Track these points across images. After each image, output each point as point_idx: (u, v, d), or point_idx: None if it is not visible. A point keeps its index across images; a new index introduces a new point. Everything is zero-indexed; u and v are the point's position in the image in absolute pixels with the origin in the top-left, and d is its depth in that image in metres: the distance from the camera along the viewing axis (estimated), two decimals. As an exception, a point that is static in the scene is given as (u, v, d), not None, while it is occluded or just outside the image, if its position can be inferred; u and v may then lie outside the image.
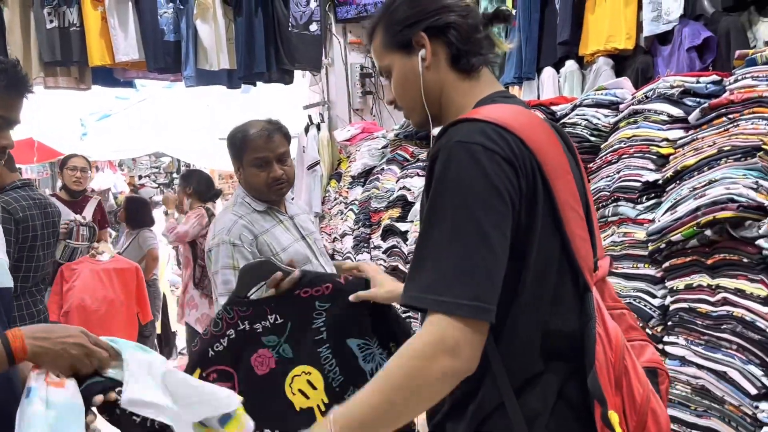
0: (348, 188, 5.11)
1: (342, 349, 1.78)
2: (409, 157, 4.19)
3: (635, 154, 2.25)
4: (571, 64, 3.57)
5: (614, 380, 1.08)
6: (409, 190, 3.85)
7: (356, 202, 4.82)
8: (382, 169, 4.50)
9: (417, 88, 1.25)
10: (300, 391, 1.79)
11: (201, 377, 1.70)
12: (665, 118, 2.21)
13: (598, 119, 2.52)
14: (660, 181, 2.12)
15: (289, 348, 1.79)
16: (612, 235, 2.26)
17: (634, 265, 2.17)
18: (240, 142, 2.34)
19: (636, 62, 3.16)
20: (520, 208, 1.08)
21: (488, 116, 1.10)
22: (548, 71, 3.69)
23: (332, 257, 5.15)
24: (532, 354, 1.11)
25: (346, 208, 5.04)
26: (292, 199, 2.58)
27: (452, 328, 1.01)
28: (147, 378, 1.33)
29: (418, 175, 3.82)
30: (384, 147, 4.70)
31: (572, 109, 2.69)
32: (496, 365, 1.10)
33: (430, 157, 1.11)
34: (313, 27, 5.30)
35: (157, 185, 16.62)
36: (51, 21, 4.71)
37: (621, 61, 3.35)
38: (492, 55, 1.26)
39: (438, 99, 1.25)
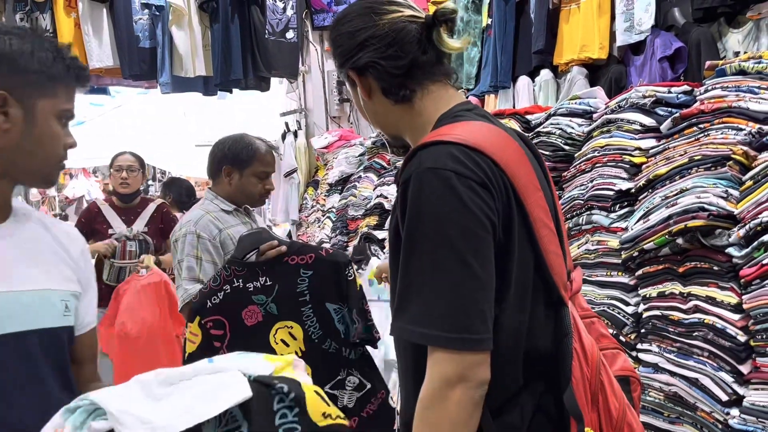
0: (325, 196, 5.10)
1: (321, 309, 2.15)
2: (386, 165, 4.19)
3: (608, 163, 2.28)
4: (545, 73, 3.60)
5: (590, 396, 1.08)
6: (386, 197, 3.85)
7: (333, 210, 4.81)
8: (360, 177, 4.50)
9: (367, 116, 1.28)
10: (282, 341, 2.11)
11: (200, 324, 2.02)
12: (638, 127, 2.24)
13: (572, 128, 2.54)
14: (633, 190, 2.14)
15: (275, 306, 2.11)
16: (586, 243, 2.28)
17: (608, 273, 2.19)
18: (248, 155, 2.57)
19: (609, 72, 3.20)
20: (499, 230, 1.06)
21: (458, 137, 1.08)
22: (523, 80, 3.73)
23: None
24: (512, 373, 1.10)
25: (323, 215, 5.03)
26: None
27: (451, 362, 1.01)
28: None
29: (395, 182, 3.82)
30: (361, 155, 4.71)
31: (547, 118, 2.71)
32: None
33: (402, 182, 1.09)
34: (290, 34, 5.29)
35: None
36: (23, 27, 4.65)
37: (595, 71, 3.39)
38: (440, 67, 1.21)
39: (391, 123, 1.26)
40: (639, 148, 2.19)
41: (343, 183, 4.83)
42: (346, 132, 5.44)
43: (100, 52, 4.78)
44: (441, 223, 1.02)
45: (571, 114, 2.59)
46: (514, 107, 3.75)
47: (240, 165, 2.56)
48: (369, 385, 2.24)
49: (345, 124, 5.80)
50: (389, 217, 1.21)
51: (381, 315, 2.60)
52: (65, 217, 14.27)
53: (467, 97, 4.27)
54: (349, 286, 2.19)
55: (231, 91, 5.45)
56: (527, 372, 1.11)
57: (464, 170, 1.03)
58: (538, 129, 2.69)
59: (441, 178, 1.03)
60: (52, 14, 4.69)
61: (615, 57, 3.26)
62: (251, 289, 2.10)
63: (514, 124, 2.86)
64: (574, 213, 2.34)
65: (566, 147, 2.52)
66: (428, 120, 1.20)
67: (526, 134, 2.74)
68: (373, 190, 4.16)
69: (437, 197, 1.03)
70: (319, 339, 2.13)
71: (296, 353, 2.06)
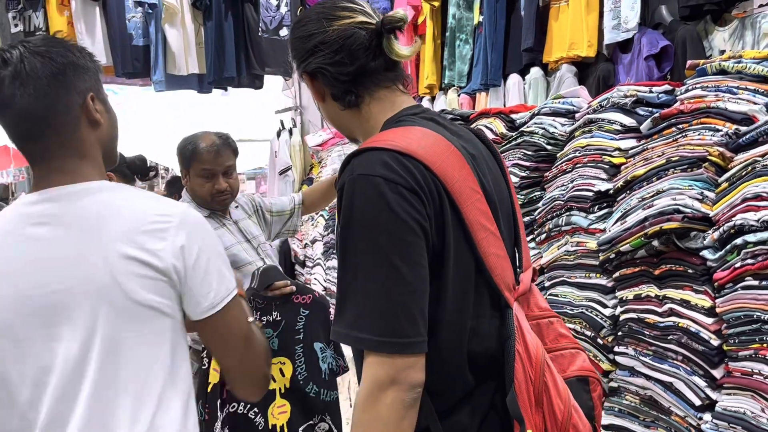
0: (319, 193, 5.08)
1: (310, 349, 2.21)
2: (377, 163, 4.17)
3: (588, 164, 2.25)
4: (535, 71, 3.57)
5: (534, 398, 1.08)
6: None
7: (326, 208, 4.79)
8: (352, 175, 4.47)
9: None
10: (271, 375, 2.02)
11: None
12: (618, 127, 2.21)
13: (555, 128, 2.52)
14: (611, 191, 2.12)
15: (276, 342, 2.15)
16: (565, 244, 2.26)
17: (587, 275, 2.18)
18: (190, 153, 2.49)
19: (598, 70, 3.16)
20: (432, 234, 1.07)
21: (390, 144, 1.08)
22: (514, 78, 3.69)
23: (303, 264, 5.14)
24: (459, 374, 1.11)
25: (316, 213, 5.01)
26: (236, 207, 2.72)
27: (382, 365, 1.02)
28: None
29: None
30: (354, 153, 4.68)
31: (531, 118, 2.69)
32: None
33: (339, 187, 1.10)
34: (284, 32, 5.26)
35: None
36: (16, 25, 4.65)
37: (584, 69, 3.35)
38: (391, 72, 1.23)
39: (344, 125, 1.28)
40: (619, 149, 2.17)
41: (337, 181, 4.80)
42: (340, 130, 5.42)
43: (93, 50, 4.65)
44: (369, 228, 1.03)
45: (555, 113, 2.57)
46: (504, 105, 3.72)
47: (185, 165, 2.50)
48: None
49: (340, 122, 5.78)
50: (336, 225, 1.28)
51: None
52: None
53: (459, 96, 4.28)
54: (327, 324, 2.26)
55: (225, 89, 5.44)
56: (477, 373, 1.12)
57: (393, 176, 1.04)
58: (522, 129, 2.67)
59: (371, 184, 1.04)
60: (45, 12, 4.67)
61: (603, 55, 3.23)
62: (264, 322, 2.15)
63: (498, 123, 2.85)
64: (555, 214, 2.32)
65: (549, 147, 2.50)
66: (375, 125, 1.21)
67: (512, 134, 2.72)
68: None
69: (366, 203, 1.04)
70: (304, 381, 2.19)
71: (280, 390, 2.14)
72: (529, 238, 2.45)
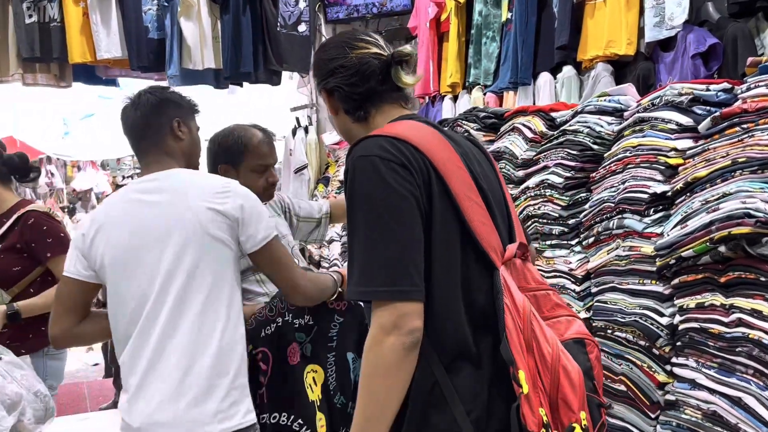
0: (336, 193, 4.98)
1: (342, 359, 2.16)
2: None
3: (642, 164, 2.14)
4: (568, 70, 3.46)
5: (524, 344, 1.22)
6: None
7: (344, 208, 4.69)
8: (372, 174, 4.37)
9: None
10: (309, 385, 2.12)
11: (250, 353, 1.96)
12: (673, 126, 2.10)
13: (601, 127, 2.41)
14: (669, 193, 2.01)
15: (309, 347, 2.10)
16: (616, 248, 2.15)
17: (641, 281, 2.06)
18: (242, 147, 2.34)
19: (637, 69, 3.05)
20: (424, 201, 1.25)
21: (384, 131, 1.32)
22: (545, 76, 3.59)
23: (318, 264, 5.03)
24: (456, 325, 1.26)
25: (333, 213, 4.90)
26: (265, 204, 2.57)
27: (384, 311, 1.20)
28: None
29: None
30: (373, 151, 4.58)
31: (573, 116, 2.58)
32: (424, 346, 1.24)
33: (345, 172, 1.31)
34: (302, 27, 5.17)
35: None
36: (30, 16, 4.55)
37: (621, 68, 3.25)
38: (396, 93, 1.45)
39: (353, 136, 1.46)
40: (675, 149, 2.06)
41: (355, 180, 4.70)
42: (357, 128, 5.31)
43: (108, 43, 4.67)
44: (368, 198, 1.24)
45: (600, 112, 2.46)
46: (534, 104, 3.61)
47: (234, 161, 2.35)
48: None
49: (357, 120, 5.67)
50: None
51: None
52: (72, 210, 14.25)
53: (485, 94, 4.17)
54: (362, 334, 2.16)
55: (241, 85, 5.33)
56: (474, 326, 1.27)
57: (387, 155, 1.25)
58: (564, 127, 2.56)
59: (368, 162, 1.26)
60: (60, 3, 4.58)
61: (642, 53, 3.12)
62: (296, 326, 2.08)
63: (537, 122, 2.74)
64: (604, 216, 2.21)
65: (595, 146, 2.39)
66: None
67: (552, 132, 2.62)
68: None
69: (365, 178, 1.25)
70: (333, 390, 2.14)
71: (316, 401, 2.07)
72: (574, 242, 2.34)
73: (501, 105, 3.95)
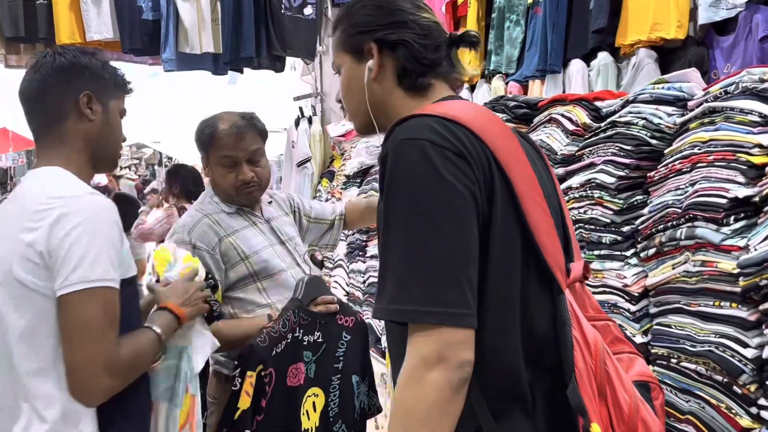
0: (342, 188, 4.63)
1: (347, 382, 1.98)
2: (413, 157, 3.72)
3: (716, 163, 1.80)
4: (604, 56, 3.12)
5: (597, 389, 1.02)
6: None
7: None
8: (382, 169, 4.04)
9: (360, 95, 1.24)
10: (306, 411, 1.90)
11: (259, 374, 1.78)
12: (755, 118, 1.76)
13: (660, 118, 2.07)
14: (756, 198, 1.67)
15: (314, 369, 1.91)
16: (685, 263, 1.80)
17: (717, 303, 1.72)
18: (207, 138, 2.09)
19: (688, 54, 2.71)
20: (483, 201, 1.03)
21: (434, 111, 1.08)
22: (577, 64, 3.24)
23: (322, 265, 4.69)
24: (510, 363, 1.04)
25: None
26: (270, 202, 2.29)
27: (427, 339, 0.96)
28: None
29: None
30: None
31: (623, 106, 2.24)
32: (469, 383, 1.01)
33: (381, 159, 1.08)
34: (308, 10, 4.82)
35: (137, 177, 16.11)
36: (14, -8, 4.20)
37: (665, 54, 2.90)
38: (455, 73, 1.26)
39: (383, 110, 1.23)
40: (760, 145, 1.71)
41: (363, 175, 4.37)
42: (365, 119, 4.97)
43: (99, 23, 4.33)
44: (414, 193, 1.00)
45: (658, 101, 2.11)
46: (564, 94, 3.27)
47: (204, 152, 2.13)
48: None
49: (364, 111, 5.33)
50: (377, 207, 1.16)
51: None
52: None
53: (507, 83, 3.83)
54: (366, 354, 2.07)
55: (242, 71, 4.99)
56: (529, 363, 1.06)
57: (440, 140, 1.02)
58: (613, 118, 2.21)
59: (416, 148, 1.01)
60: (46, -21, 4.24)
61: (692, 38, 2.78)
62: (305, 343, 1.89)
63: (580, 112, 2.40)
64: (670, 224, 1.87)
65: (653, 141, 2.05)
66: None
67: (599, 124, 2.28)
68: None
69: (411, 167, 1.01)
70: (334, 418, 1.95)
71: (310, 430, 1.90)
72: (629, 252, 2.00)
73: (526, 95, 3.60)
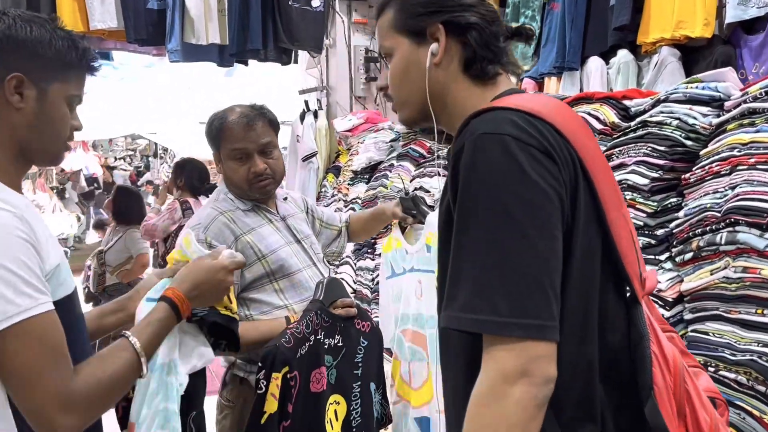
0: (349, 184, 4.57)
1: (366, 390, 1.93)
2: (425, 154, 3.67)
3: (759, 166, 1.75)
4: (624, 54, 3.06)
5: (676, 407, 0.97)
6: (427, 191, 3.32)
7: (359, 201, 4.28)
8: (392, 165, 3.97)
9: (417, 82, 1.15)
10: (329, 420, 1.83)
11: (285, 376, 1.71)
12: (799, 120, 1.71)
13: (695, 118, 2.01)
14: (803, 204, 1.62)
15: (335, 374, 1.85)
16: (724, 268, 1.75)
17: (759, 311, 1.67)
18: (217, 131, 2.03)
19: (714, 53, 2.66)
20: (567, 203, 0.96)
21: (515, 104, 1.00)
22: (596, 61, 3.18)
23: (328, 262, 4.63)
24: (584, 379, 0.98)
25: (345, 206, 4.49)
26: (285, 199, 2.22)
27: (510, 353, 0.89)
28: None
29: (439, 174, 3.29)
30: (393, 140, 4.17)
31: (654, 105, 2.18)
32: None
33: (453, 153, 1.00)
34: (316, 2, 4.74)
35: (131, 168, 15.97)
36: (15, -22, 4.09)
37: (689, 52, 2.85)
38: (511, 66, 1.18)
39: (442, 99, 1.16)
40: (806, 148, 1.67)
41: (371, 171, 4.30)
42: (372, 114, 4.89)
43: (103, 11, 4.22)
44: (497, 192, 0.93)
45: (692, 101, 2.05)
46: (581, 92, 3.21)
47: (215, 147, 2.06)
48: None
49: (371, 106, 5.26)
50: (438, 205, 1.17)
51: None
52: (62, 191, 13.79)
53: (521, 80, 3.76)
54: (381, 361, 2.04)
55: (247, 63, 4.90)
56: (601, 378, 0.99)
57: (524, 135, 0.95)
58: (643, 118, 2.16)
59: (499, 143, 0.94)
60: (49, -34, 4.13)
61: (718, 37, 2.72)
62: (326, 346, 1.83)
63: (607, 111, 2.34)
64: (707, 228, 1.81)
65: (687, 142, 1.99)
66: (484, 101, 1.10)
67: (627, 124, 2.23)
68: (410, 181, 3.63)
69: (493, 165, 0.93)
70: (357, 428, 1.89)
71: None
72: (664, 257, 1.94)
73: (541, 92, 3.54)
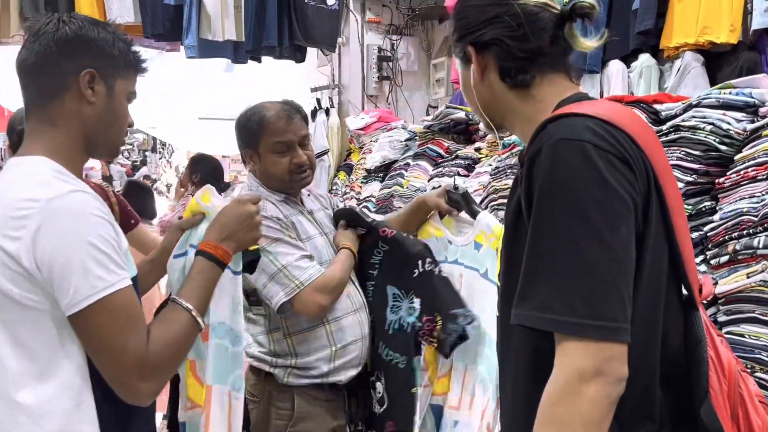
0: (362, 182, 4.59)
1: (381, 291, 2.02)
2: (443, 153, 3.69)
3: (797, 172, 1.78)
4: (647, 58, 3.09)
5: (730, 411, 0.99)
6: (447, 191, 3.34)
7: (372, 199, 4.30)
8: (408, 165, 3.99)
9: (473, 98, 1.22)
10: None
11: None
12: (838, 127, 1.74)
13: (729, 124, 2.04)
14: (843, 209, 1.66)
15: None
16: (761, 272, 1.79)
17: (797, 314, 1.71)
18: (257, 126, 2.05)
19: (739, 60, 2.70)
20: (639, 211, 0.99)
21: (592, 111, 1.02)
22: (617, 65, 3.21)
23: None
24: (647, 383, 1.01)
25: (358, 204, 4.52)
26: (309, 194, 2.26)
27: (585, 353, 0.92)
28: None
29: (459, 174, 3.32)
30: (408, 139, 4.19)
31: (685, 110, 2.21)
32: None
33: (529, 157, 1.02)
34: (331, 1, 4.75)
35: (128, 162, 15.91)
36: (33, -28, 4.09)
37: (712, 58, 2.88)
38: (564, 59, 1.16)
39: (499, 110, 1.20)
40: None
41: (385, 169, 4.32)
42: (384, 113, 4.91)
43: (120, 6, 4.22)
44: (577, 197, 0.95)
45: (725, 106, 2.09)
46: (601, 95, 3.25)
47: (253, 143, 2.08)
48: (385, 406, 2.01)
49: (382, 104, 5.28)
50: (507, 203, 1.18)
51: (485, 300, 1.95)
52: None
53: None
54: (425, 279, 1.99)
55: (260, 60, 4.92)
56: (660, 380, 1.03)
57: (602, 143, 0.97)
58: (675, 122, 2.19)
59: (578, 149, 0.96)
60: (68, -40, 4.13)
61: (743, 43, 2.76)
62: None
63: (638, 114, 2.36)
64: (743, 231, 1.85)
65: (722, 147, 2.03)
66: (545, 107, 1.12)
67: (659, 128, 2.26)
68: (428, 180, 3.65)
69: (572, 170, 0.96)
70: (372, 332, 2.05)
71: None
72: (699, 260, 1.98)
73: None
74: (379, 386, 2.03)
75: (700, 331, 1.03)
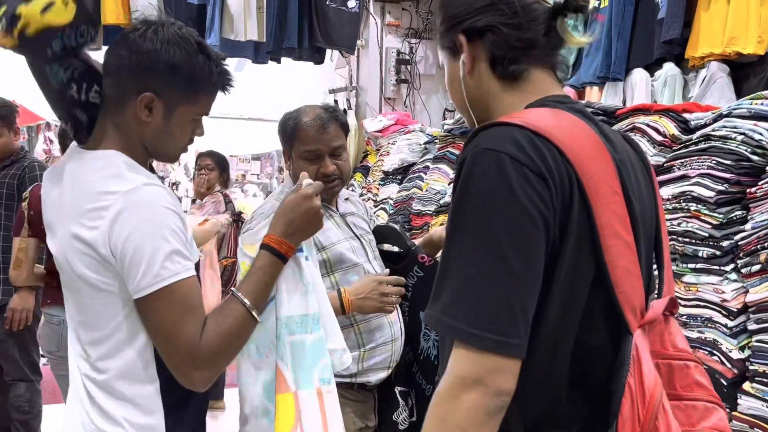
0: (380, 184, 4.61)
1: (414, 317, 2.07)
2: (464, 157, 3.70)
3: (831, 183, 1.80)
4: (671, 68, 3.11)
5: None
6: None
7: (390, 201, 4.33)
8: (427, 168, 4.01)
9: (460, 93, 1.16)
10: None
11: None
12: None
13: (761, 135, 2.06)
14: None
15: None
16: (794, 281, 1.81)
17: (829, 324, 1.72)
18: (291, 130, 2.08)
19: (766, 70, 2.71)
20: (555, 229, 0.96)
21: (524, 121, 0.99)
22: (640, 73, 3.23)
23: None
24: (553, 399, 1.00)
25: (375, 206, 4.54)
26: (346, 199, 2.28)
27: (468, 361, 0.94)
28: None
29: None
30: (427, 142, 4.21)
31: (715, 120, 2.23)
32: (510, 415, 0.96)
33: (458, 162, 1.02)
34: (351, 3, 4.79)
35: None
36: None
37: (738, 68, 2.90)
38: (554, 54, 1.12)
39: (484, 105, 1.15)
40: None
41: (404, 172, 4.34)
42: (402, 116, 4.94)
43: (145, 5, 4.25)
44: (483, 208, 0.95)
45: (757, 117, 2.10)
46: (624, 103, 3.27)
47: (288, 145, 2.12)
48: (414, 418, 2.07)
49: (399, 107, 5.30)
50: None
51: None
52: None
53: (562, 87, 3.81)
54: None
55: (279, 61, 4.95)
56: (578, 403, 1.01)
57: (521, 155, 0.95)
58: (705, 131, 2.21)
59: (494, 160, 0.95)
60: (94, -43, 4.16)
61: (769, 54, 2.78)
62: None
63: (667, 123, 2.38)
64: (775, 242, 1.86)
65: (754, 157, 2.04)
66: (521, 105, 1.09)
67: (688, 137, 2.28)
68: (448, 184, 3.67)
69: (485, 180, 0.95)
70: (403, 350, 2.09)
71: None
72: (729, 268, 1.99)
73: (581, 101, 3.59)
74: (410, 401, 2.10)
75: (624, 357, 0.99)
